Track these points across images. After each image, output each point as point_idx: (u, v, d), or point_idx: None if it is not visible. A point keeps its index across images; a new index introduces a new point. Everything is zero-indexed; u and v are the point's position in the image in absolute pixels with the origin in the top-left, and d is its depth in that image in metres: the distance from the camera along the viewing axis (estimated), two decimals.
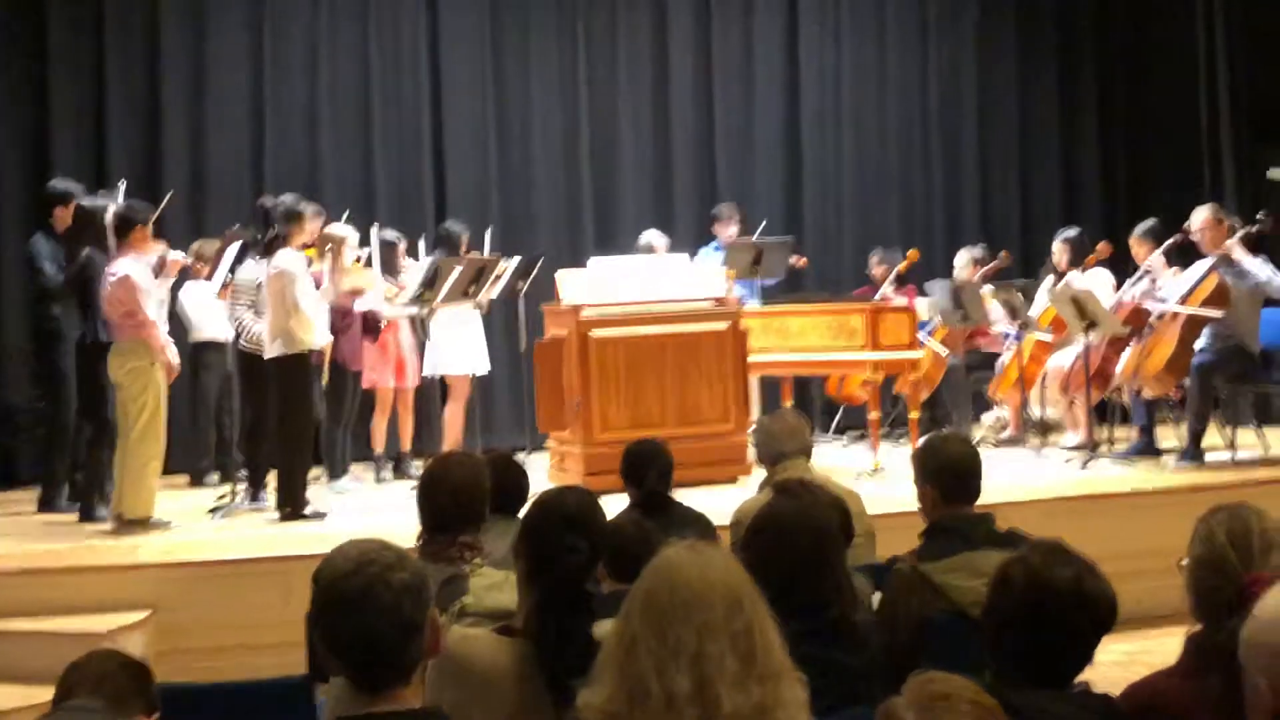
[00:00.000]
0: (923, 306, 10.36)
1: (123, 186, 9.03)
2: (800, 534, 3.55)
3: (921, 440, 5.40)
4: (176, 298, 9.64)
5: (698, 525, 5.26)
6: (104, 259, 8.18)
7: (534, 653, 3.29)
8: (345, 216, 9.65)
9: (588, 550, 3.49)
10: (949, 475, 4.35)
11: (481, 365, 9.78)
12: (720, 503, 6.52)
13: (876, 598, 4.20)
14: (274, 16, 11.29)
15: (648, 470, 5.44)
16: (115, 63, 10.89)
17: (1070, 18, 13.10)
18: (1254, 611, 2.48)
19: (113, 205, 8.34)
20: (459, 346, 9.62)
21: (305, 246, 8.68)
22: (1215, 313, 8.62)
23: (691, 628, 2.54)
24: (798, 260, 11.24)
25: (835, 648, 3.40)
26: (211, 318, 9.44)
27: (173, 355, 7.95)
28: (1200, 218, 8.92)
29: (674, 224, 11.67)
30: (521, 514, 4.82)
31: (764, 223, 11.38)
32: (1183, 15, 12.26)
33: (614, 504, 5.37)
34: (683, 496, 5.67)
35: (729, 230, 11.05)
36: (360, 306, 9.25)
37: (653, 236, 10.62)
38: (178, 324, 9.54)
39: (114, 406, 8.13)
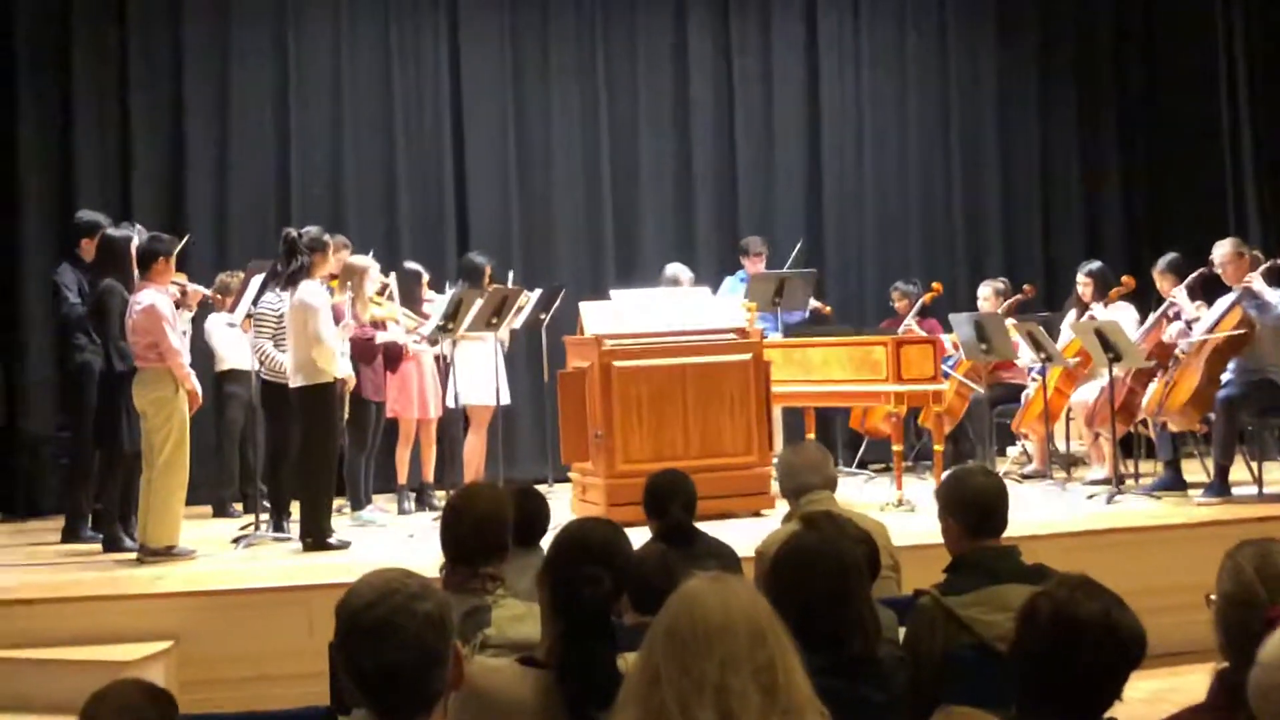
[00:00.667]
0: (948, 341, 10.34)
1: (138, 229, 9.09)
2: (823, 567, 3.53)
3: (946, 473, 5.38)
4: (203, 328, 9.71)
5: (722, 557, 5.24)
6: (123, 289, 8.26)
7: (557, 684, 3.28)
8: (375, 252, 9.68)
9: (611, 582, 3.47)
10: (974, 509, 4.33)
11: (503, 396, 9.79)
12: (743, 535, 6.50)
13: (902, 632, 4.17)
14: (298, 49, 11.38)
15: (671, 502, 5.41)
16: (140, 95, 10.97)
17: (1090, 52, 13.07)
18: (1259, 659, 2.47)
19: (136, 237, 8.41)
20: (481, 377, 9.63)
21: (332, 277, 8.73)
22: (1240, 331, 8.59)
23: (714, 660, 2.53)
24: (822, 307, 11.22)
25: (859, 682, 3.38)
26: (236, 348, 9.50)
27: (196, 385, 7.99)
28: (1222, 251, 8.91)
29: (695, 255, 11.69)
30: (543, 544, 4.86)
31: (800, 244, 11.36)
32: (1204, 48, 12.26)
33: (638, 535, 5.36)
34: (706, 528, 5.64)
35: (758, 266, 11.02)
36: (382, 338, 9.28)
37: (678, 269, 10.62)
38: (204, 354, 9.60)
39: (129, 435, 8.22)
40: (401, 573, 2.57)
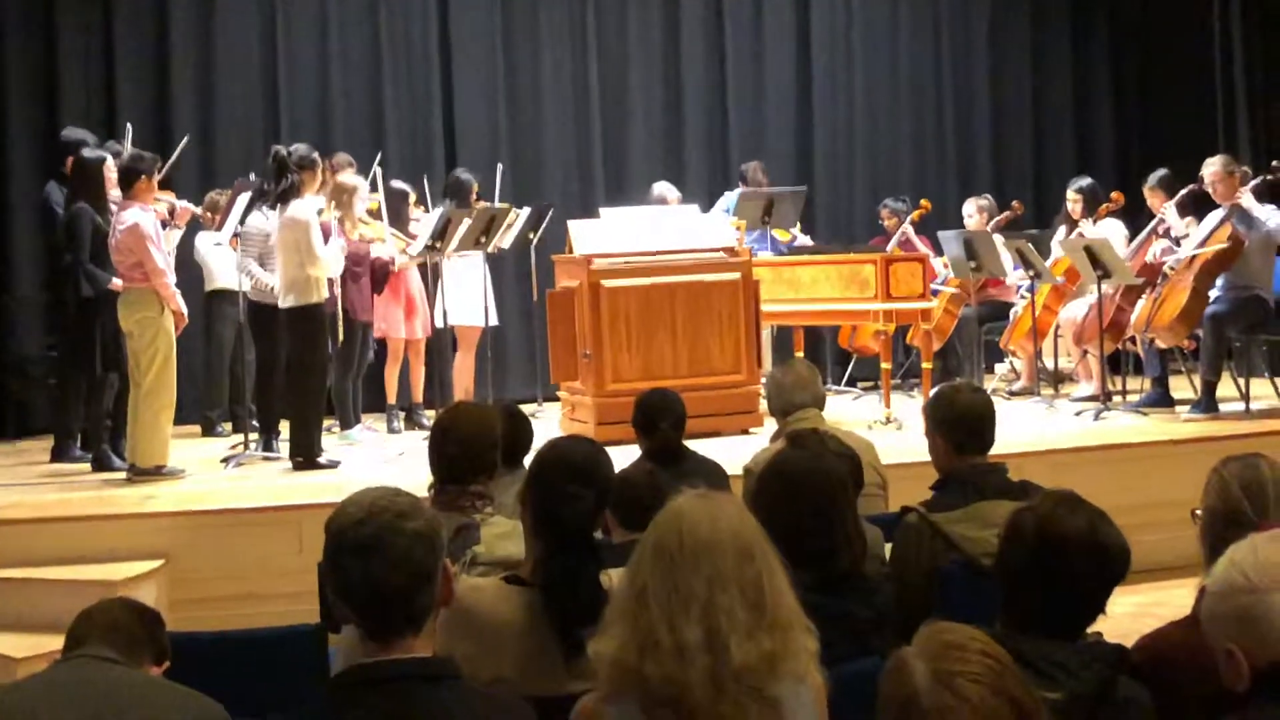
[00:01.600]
0: (939, 264, 10.33)
1: (129, 132, 9.04)
2: (808, 483, 3.54)
3: (933, 390, 5.39)
4: (193, 246, 9.67)
5: (710, 475, 5.25)
6: (92, 212, 8.28)
7: (542, 602, 3.30)
8: (372, 172, 9.61)
9: (593, 500, 3.48)
10: (961, 425, 4.34)
11: (490, 316, 9.77)
12: (732, 453, 6.52)
13: (889, 548, 4.19)
14: None
15: (660, 420, 5.43)
16: (124, 11, 10.86)
17: None
18: (1206, 586, 2.49)
19: (111, 157, 8.37)
20: (469, 297, 9.62)
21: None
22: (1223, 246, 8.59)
23: (701, 577, 2.54)
24: (810, 244, 11.15)
25: (845, 598, 3.40)
26: (224, 267, 9.47)
27: (181, 305, 7.96)
28: (1212, 169, 8.88)
29: (685, 174, 11.64)
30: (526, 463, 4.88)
31: (804, 188, 11.31)
32: None
33: (626, 454, 5.37)
34: (694, 447, 5.66)
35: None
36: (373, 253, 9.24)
37: (664, 188, 10.58)
38: (194, 273, 9.57)
39: (104, 357, 8.29)
40: (391, 491, 2.57)
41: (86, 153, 8.51)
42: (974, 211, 10.75)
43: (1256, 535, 2.54)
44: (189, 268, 9.44)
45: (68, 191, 8.61)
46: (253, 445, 8.58)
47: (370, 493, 2.56)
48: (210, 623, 5.60)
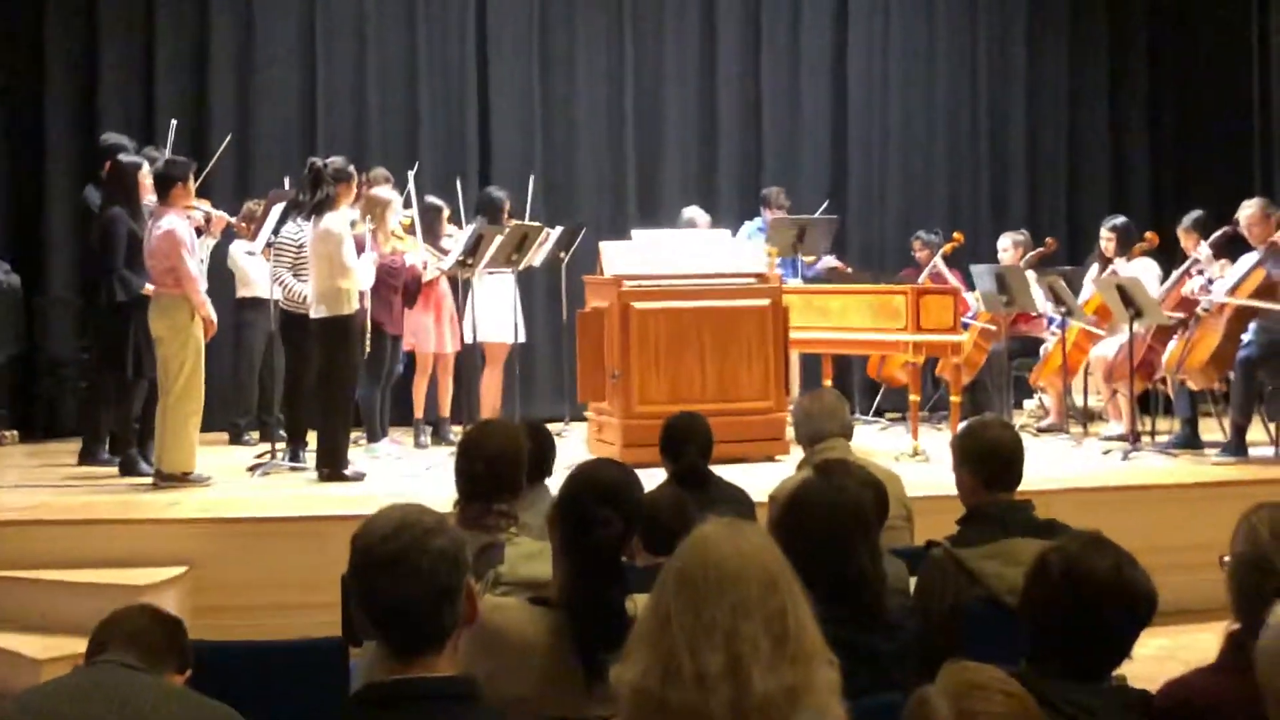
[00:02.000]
0: (971, 298, 10.30)
1: (173, 129, 9.10)
2: (829, 514, 3.52)
3: (962, 424, 5.37)
4: (228, 253, 9.73)
5: (736, 501, 5.24)
6: (128, 217, 8.35)
7: (567, 624, 3.29)
8: (407, 187, 9.66)
9: (621, 523, 3.47)
10: (989, 461, 4.32)
11: (520, 333, 9.79)
12: (757, 480, 6.50)
13: (913, 582, 4.17)
14: None
15: (687, 444, 5.41)
16: (166, 20, 10.97)
17: (1124, 9, 12.91)
18: (1268, 623, 2.46)
19: (147, 164, 8.43)
20: (499, 314, 9.64)
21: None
22: (1272, 305, 8.53)
23: (725, 605, 2.52)
24: (842, 266, 11.14)
25: (868, 632, 3.38)
26: (257, 276, 9.52)
27: (211, 312, 7.99)
28: (1248, 211, 8.86)
29: (717, 198, 11.65)
30: (549, 482, 4.88)
31: (825, 204, 11.32)
32: (1238, 11, 12.11)
33: (652, 476, 5.37)
34: (719, 472, 5.64)
35: (778, 215, 10.98)
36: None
37: (695, 213, 10.58)
38: (225, 280, 9.62)
39: (135, 362, 8.34)
40: (418, 508, 2.57)
41: (124, 157, 8.58)
42: (1009, 246, 10.71)
43: None
44: (220, 275, 9.49)
45: (103, 195, 8.68)
46: (279, 454, 8.61)
47: (397, 509, 2.57)
48: (232, 631, 5.63)
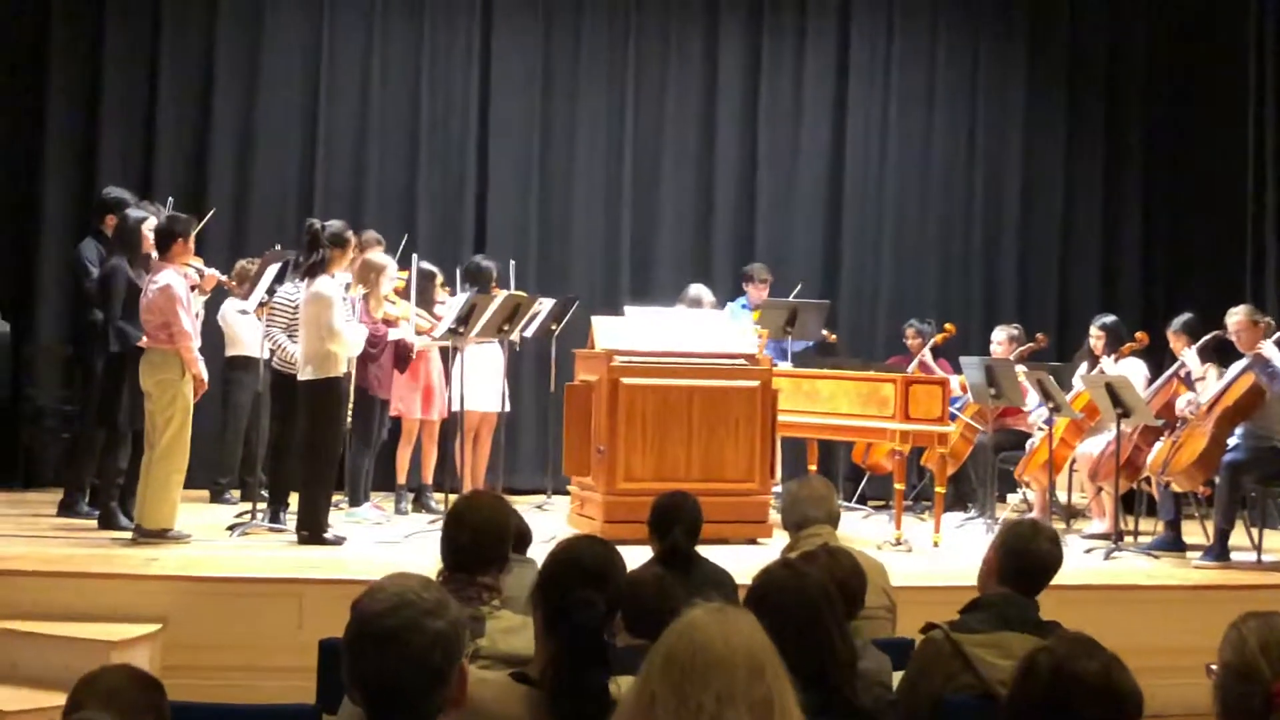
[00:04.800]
0: (956, 383, 10.32)
1: (170, 204, 9.14)
2: (790, 602, 3.51)
3: (1016, 517, 5.34)
4: (220, 310, 9.72)
5: (719, 584, 5.21)
6: (129, 271, 8.36)
7: (549, 704, 3.26)
8: (400, 252, 9.69)
9: (603, 604, 3.46)
10: (1024, 566, 4.26)
11: (505, 403, 9.79)
12: (740, 562, 6.46)
13: (898, 676, 4.14)
14: (330, 41, 11.46)
15: (674, 524, 5.39)
16: (167, 76, 11.05)
17: (1119, 98, 12.98)
18: None
19: (152, 218, 8.45)
20: (484, 383, 9.63)
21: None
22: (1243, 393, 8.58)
23: (711, 692, 2.51)
24: (829, 335, 11.21)
25: None
26: (248, 334, 9.51)
27: (202, 370, 7.99)
28: (1236, 318, 8.89)
29: (711, 277, 11.68)
30: (527, 555, 4.86)
31: (800, 285, 11.38)
32: (1231, 101, 12.23)
33: (632, 553, 5.34)
34: (703, 553, 5.62)
35: (761, 293, 11.04)
36: (393, 335, 9.27)
37: (701, 291, 10.57)
38: (214, 338, 9.61)
39: (127, 416, 8.28)
40: (421, 583, 2.56)
41: (130, 212, 8.61)
42: (1003, 339, 10.75)
43: None
44: (211, 333, 9.49)
45: (106, 248, 8.69)
46: (260, 515, 8.57)
47: (401, 582, 2.55)
48: (204, 691, 5.53)
